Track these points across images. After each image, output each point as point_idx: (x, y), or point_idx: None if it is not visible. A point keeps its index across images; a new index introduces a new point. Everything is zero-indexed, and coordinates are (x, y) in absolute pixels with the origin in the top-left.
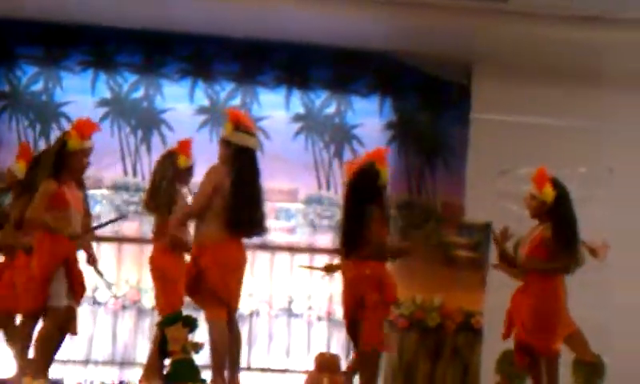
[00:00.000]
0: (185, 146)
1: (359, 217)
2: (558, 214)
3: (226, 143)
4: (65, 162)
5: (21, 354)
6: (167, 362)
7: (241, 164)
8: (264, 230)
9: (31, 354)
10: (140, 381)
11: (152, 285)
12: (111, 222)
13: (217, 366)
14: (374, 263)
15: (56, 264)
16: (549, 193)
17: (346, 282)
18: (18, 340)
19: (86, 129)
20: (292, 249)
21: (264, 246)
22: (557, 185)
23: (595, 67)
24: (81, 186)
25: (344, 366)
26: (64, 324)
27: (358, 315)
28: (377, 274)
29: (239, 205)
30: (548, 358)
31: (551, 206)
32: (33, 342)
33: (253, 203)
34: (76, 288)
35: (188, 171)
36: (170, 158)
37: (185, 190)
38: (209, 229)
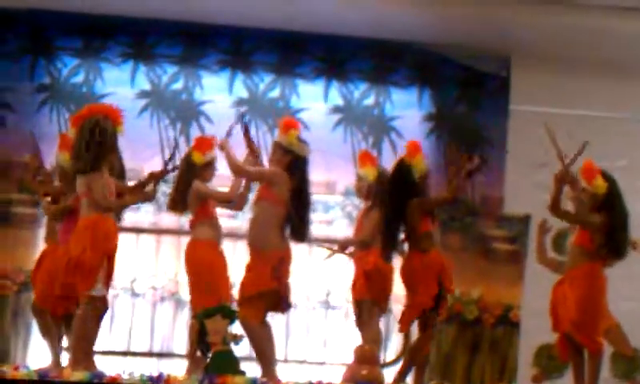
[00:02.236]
0: (199, 142)
1: (398, 215)
2: (612, 205)
3: (284, 150)
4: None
5: (56, 344)
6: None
7: (302, 174)
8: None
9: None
10: (186, 373)
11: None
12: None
13: (268, 363)
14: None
15: (111, 252)
16: (601, 185)
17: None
18: (52, 330)
19: (116, 113)
20: (330, 241)
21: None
22: (607, 177)
23: (636, 58)
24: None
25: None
26: (101, 315)
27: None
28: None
29: (300, 214)
30: (593, 351)
31: (603, 198)
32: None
33: (309, 212)
34: (109, 278)
35: (206, 167)
36: (186, 155)
37: (200, 184)
38: (272, 235)
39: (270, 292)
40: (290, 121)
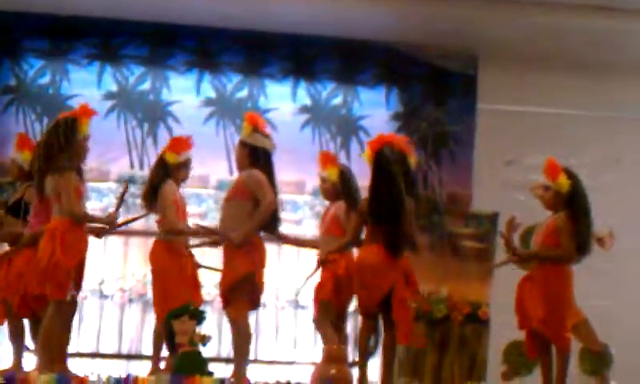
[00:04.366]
0: (174, 142)
1: (401, 209)
2: (575, 203)
3: (243, 145)
4: (73, 149)
5: (22, 346)
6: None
7: (264, 166)
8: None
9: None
10: (149, 374)
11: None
12: (135, 219)
13: (244, 360)
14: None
15: (82, 256)
16: (564, 183)
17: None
18: (20, 332)
19: (90, 113)
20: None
21: (271, 238)
22: (570, 175)
23: (602, 56)
24: (80, 174)
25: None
26: (70, 316)
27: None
28: (408, 267)
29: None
30: (560, 347)
31: (567, 195)
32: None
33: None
34: (78, 281)
35: (180, 167)
36: (161, 154)
37: (173, 187)
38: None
39: (248, 278)
40: (249, 115)
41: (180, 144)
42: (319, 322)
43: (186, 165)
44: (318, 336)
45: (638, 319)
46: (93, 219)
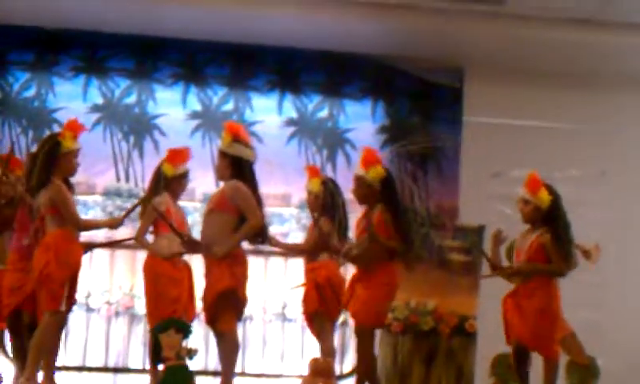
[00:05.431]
0: (172, 154)
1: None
2: (555, 218)
3: (222, 155)
4: (57, 164)
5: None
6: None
7: (246, 176)
8: (265, 239)
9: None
10: None
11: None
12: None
13: (231, 373)
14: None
15: (75, 268)
16: (545, 198)
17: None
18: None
19: (78, 128)
20: (286, 254)
21: (258, 251)
22: (551, 190)
23: (587, 69)
24: (69, 187)
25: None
26: (60, 329)
27: None
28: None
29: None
30: (550, 361)
31: (547, 210)
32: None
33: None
34: (71, 294)
35: (178, 179)
36: (158, 167)
37: (165, 199)
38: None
39: (230, 292)
40: (229, 125)
41: (177, 156)
42: (318, 335)
43: (182, 178)
44: (306, 348)
45: (625, 332)
46: (96, 224)
